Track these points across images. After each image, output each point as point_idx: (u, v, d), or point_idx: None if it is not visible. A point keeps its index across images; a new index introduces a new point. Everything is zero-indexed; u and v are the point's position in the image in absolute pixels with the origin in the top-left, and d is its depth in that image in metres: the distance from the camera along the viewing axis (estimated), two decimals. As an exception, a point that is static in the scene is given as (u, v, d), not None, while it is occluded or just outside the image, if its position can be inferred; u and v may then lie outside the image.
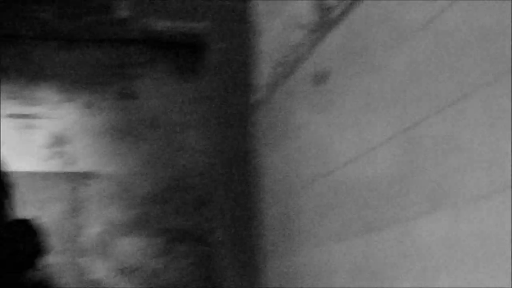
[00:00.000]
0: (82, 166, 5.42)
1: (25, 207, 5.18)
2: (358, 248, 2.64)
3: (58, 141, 5.44)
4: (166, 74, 5.68)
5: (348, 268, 2.72)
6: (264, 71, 4.21)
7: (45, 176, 5.34)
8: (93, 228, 5.33)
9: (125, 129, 5.55)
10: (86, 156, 5.44)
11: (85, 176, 5.40)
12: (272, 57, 4.01)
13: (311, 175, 3.19)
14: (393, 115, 2.41)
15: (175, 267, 5.41)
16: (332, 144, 2.93)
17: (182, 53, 5.72)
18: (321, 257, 2.99)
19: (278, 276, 3.84)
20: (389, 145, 2.46)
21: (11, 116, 5.38)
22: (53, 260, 5.20)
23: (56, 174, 5.36)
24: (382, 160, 2.46)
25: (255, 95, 4.39)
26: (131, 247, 5.35)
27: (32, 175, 5.30)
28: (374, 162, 2.51)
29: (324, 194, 2.99)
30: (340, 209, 2.80)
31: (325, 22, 3.10)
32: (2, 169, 4.49)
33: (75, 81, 5.54)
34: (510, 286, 1.86)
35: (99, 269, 5.28)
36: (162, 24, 5.41)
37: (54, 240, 5.22)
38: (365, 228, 2.55)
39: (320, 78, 3.18)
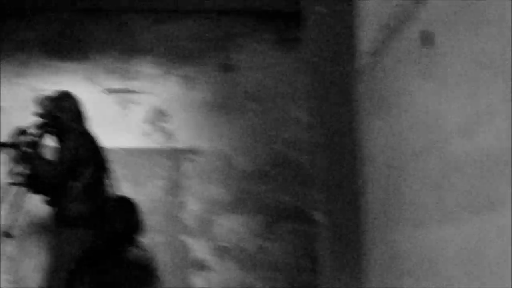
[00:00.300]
0: (181, 142, 5.28)
1: (124, 184, 5.08)
2: (471, 229, 2.31)
3: (157, 116, 5.30)
4: (267, 44, 5.44)
5: (456, 252, 2.40)
6: (367, 36, 3.90)
7: (144, 152, 5.22)
8: (194, 206, 5.17)
9: (225, 102, 5.36)
10: (185, 131, 5.29)
11: (184, 152, 5.25)
12: (375, 20, 3.69)
13: (418, 147, 2.88)
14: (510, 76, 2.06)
15: (277, 246, 5.19)
16: (442, 111, 2.61)
17: (283, 23, 5.45)
18: (426, 238, 2.69)
19: (380, 257, 3.54)
20: (508, 111, 2.11)
21: (109, 90, 5.28)
22: (153, 238, 5.09)
23: (155, 150, 5.23)
24: (499, 130, 2.13)
25: (359, 62, 4.07)
26: (232, 225, 5.17)
27: (131, 151, 5.19)
28: (490, 132, 2.18)
29: (433, 167, 2.68)
30: (451, 185, 2.49)
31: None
32: (100, 146, 4.41)
33: (173, 54, 5.38)
34: None
35: (200, 247, 5.12)
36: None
37: (154, 218, 5.10)
38: (480, 207, 2.23)
39: (427, 39, 2.85)
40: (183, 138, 5.28)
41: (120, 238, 4.28)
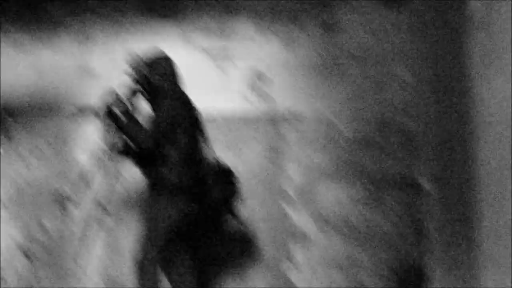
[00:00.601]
0: (282, 106, 5.03)
1: (222, 150, 4.90)
2: None
3: (257, 79, 5.08)
4: (372, 3, 5.09)
5: None
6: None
7: (243, 117, 5.02)
8: (294, 173, 4.94)
9: (328, 64, 5.07)
10: (286, 95, 5.04)
11: (285, 117, 5.01)
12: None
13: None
14: None
15: (381, 216, 4.89)
16: None
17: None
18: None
19: (495, 233, 3.21)
20: None
21: (206, 51, 5.09)
22: (252, 207, 4.90)
23: (255, 115, 5.02)
24: None
25: (470, 17, 3.69)
26: (334, 194, 4.91)
27: (229, 116, 5.00)
28: None
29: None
30: None
31: None
32: (196, 110, 4.23)
33: (274, 14, 5.12)
34: None
35: (301, 217, 4.90)
36: None
37: (253, 186, 4.91)
38: None
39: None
40: (284, 102, 5.04)
41: (218, 207, 4.11)
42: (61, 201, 4.61)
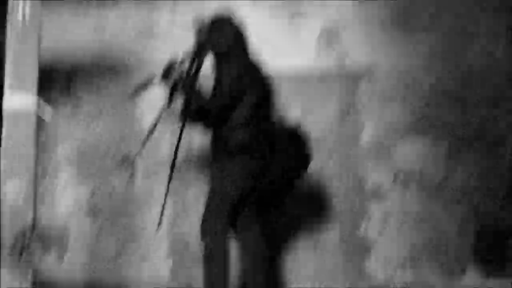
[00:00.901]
0: (358, 62, 4.87)
1: (295, 110, 4.80)
2: None
3: (331, 35, 4.92)
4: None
5: None
6: None
7: (317, 74, 4.88)
8: (371, 130, 4.79)
9: (405, 18, 4.86)
10: (362, 50, 4.87)
11: (360, 73, 4.85)
12: None
13: None
14: None
15: (463, 174, 4.70)
16: None
17: None
18: None
19: None
20: None
21: (277, 8, 4.96)
22: (328, 166, 4.79)
23: (329, 72, 4.87)
24: None
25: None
26: (413, 151, 4.74)
27: (302, 74, 4.87)
28: None
29: None
30: None
31: None
32: (264, 73, 4.11)
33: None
34: None
35: (379, 175, 4.76)
36: None
37: (328, 144, 4.80)
38: None
39: None
40: (360, 58, 4.86)
41: (289, 168, 4.00)
42: (127, 162, 4.59)
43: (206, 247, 3.80)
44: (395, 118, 4.78)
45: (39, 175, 4.91)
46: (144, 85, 3.88)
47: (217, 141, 3.91)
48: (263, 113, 3.93)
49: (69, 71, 5.02)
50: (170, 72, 3.82)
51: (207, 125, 3.95)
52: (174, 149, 3.98)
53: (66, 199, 4.96)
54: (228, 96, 3.80)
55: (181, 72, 3.82)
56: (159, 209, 4.78)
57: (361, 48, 4.87)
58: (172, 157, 4.00)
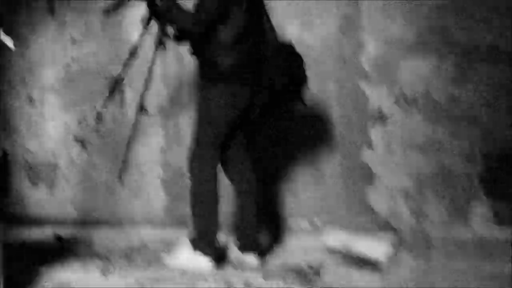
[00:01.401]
0: None
1: (290, 23, 4.47)
2: None
3: None
4: None
5: None
6: None
7: None
8: (373, 47, 4.47)
9: None
10: None
11: None
12: None
13: None
14: None
15: (470, 94, 4.38)
16: None
17: None
18: None
19: None
20: None
21: None
22: (326, 86, 4.50)
23: None
24: None
25: None
26: (417, 69, 4.42)
27: None
28: None
29: None
30: None
31: None
32: None
33: None
34: None
35: (380, 96, 4.46)
36: None
37: (327, 63, 4.48)
38: None
39: None
40: None
41: (282, 94, 3.71)
42: (115, 84, 4.31)
43: (193, 182, 3.59)
44: (398, 33, 4.44)
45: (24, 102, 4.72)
46: (117, 5, 3.56)
47: (202, 66, 3.63)
48: (252, 30, 3.61)
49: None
50: None
51: (192, 44, 3.65)
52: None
53: (54, 128, 4.73)
54: (211, 12, 3.48)
55: None
56: (151, 139, 4.60)
57: None
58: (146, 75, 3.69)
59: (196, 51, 3.63)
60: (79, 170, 4.69)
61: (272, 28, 3.77)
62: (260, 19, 3.68)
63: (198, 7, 3.49)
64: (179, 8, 3.49)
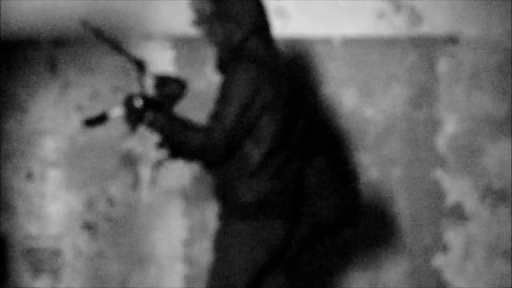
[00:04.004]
0: (435, 26, 3.68)
1: (349, 90, 3.63)
2: None
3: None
4: None
5: None
6: None
7: (379, 42, 3.72)
8: (452, 125, 3.61)
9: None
10: (441, 12, 3.64)
11: (439, 42, 3.68)
12: None
13: None
14: None
15: None
16: None
17: None
18: None
19: None
20: None
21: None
22: (390, 174, 3.62)
23: (397, 40, 3.71)
24: None
25: None
26: (506, 152, 3.52)
27: (359, 42, 3.71)
28: None
29: None
30: None
31: None
32: (291, 79, 2.81)
33: None
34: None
35: (461, 189, 3.62)
36: None
37: (392, 144, 3.63)
38: None
39: None
40: (438, 22, 3.64)
41: (329, 228, 2.82)
42: (130, 162, 3.52)
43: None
44: (486, 111, 3.63)
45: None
46: (99, 119, 2.73)
47: (219, 194, 2.76)
48: (290, 143, 2.72)
49: (52, 44, 3.87)
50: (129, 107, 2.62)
51: (206, 166, 2.79)
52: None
53: (57, 209, 3.95)
54: (234, 126, 2.60)
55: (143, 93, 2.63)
56: (172, 224, 3.82)
57: (441, 8, 3.65)
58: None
59: (208, 170, 2.77)
60: (86, 259, 3.94)
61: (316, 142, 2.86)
62: (302, 126, 2.78)
63: (215, 118, 2.61)
64: (179, 121, 2.62)
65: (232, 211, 2.69)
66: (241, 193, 2.65)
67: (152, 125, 2.61)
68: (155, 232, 3.85)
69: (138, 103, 2.57)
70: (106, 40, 2.60)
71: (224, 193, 2.71)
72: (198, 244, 3.86)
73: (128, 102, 2.60)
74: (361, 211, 2.86)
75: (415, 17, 3.64)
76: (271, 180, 2.65)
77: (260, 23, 2.73)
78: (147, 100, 2.58)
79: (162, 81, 2.63)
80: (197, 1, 2.76)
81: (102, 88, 3.86)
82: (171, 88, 2.62)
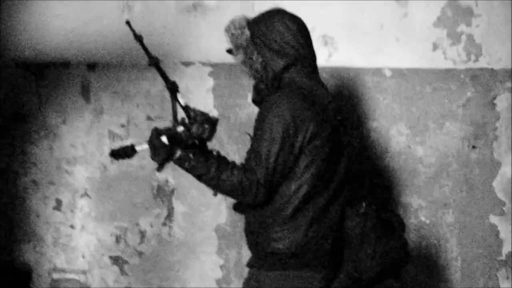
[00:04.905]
0: (495, 59, 3.39)
1: (396, 133, 3.34)
2: None
3: (455, 18, 3.39)
4: None
5: None
6: None
7: (434, 75, 3.46)
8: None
9: None
10: (500, 42, 3.34)
11: (499, 76, 3.37)
12: None
13: None
14: None
15: None
16: None
17: None
18: None
19: None
20: None
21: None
22: (446, 217, 3.33)
23: (453, 73, 3.45)
24: None
25: None
26: None
27: (411, 74, 3.42)
28: None
29: None
30: None
31: None
32: (337, 109, 2.55)
33: None
34: None
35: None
36: None
37: (446, 185, 3.35)
38: None
39: None
40: (498, 54, 3.38)
41: (371, 281, 2.55)
42: (164, 195, 3.36)
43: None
44: None
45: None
46: (125, 152, 2.54)
47: (251, 242, 2.52)
48: (331, 184, 2.47)
49: (85, 68, 3.69)
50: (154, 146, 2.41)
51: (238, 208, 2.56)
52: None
53: (86, 242, 3.75)
54: (279, 166, 2.36)
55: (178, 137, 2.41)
56: (206, 262, 3.58)
57: (500, 38, 3.38)
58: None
59: (241, 212, 2.55)
60: (117, 302, 3.72)
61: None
62: (345, 165, 2.52)
63: (254, 157, 2.37)
64: (212, 160, 2.40)
65: (264, 258, 2.45)
66: (275, 240, 2.41)
67: (180, 163, 2.40)
68: (187, 269, 3.62)
69: (163, 139, 2.37)
70: (144, 47, 2.43)
71: (256, 239, 2.47)
72: (233, 284, 3.62)
73: (153, 137, 2.40)
74: (408, 260, 2.58)
75: (474, 48, 3.37)
76: (309, 227, 2.40)
77: (301, 52, 2.51)
78: (173, 136, 2.37)
79: (194, 115, 2.43)
80: (235, 29, 2.56)
81: (136, 115, 3.66)
82: (202, 125, 2.41)
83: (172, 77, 2.48)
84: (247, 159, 2.41)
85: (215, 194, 2.49)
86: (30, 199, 3.81)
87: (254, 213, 2.46)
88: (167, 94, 2.46)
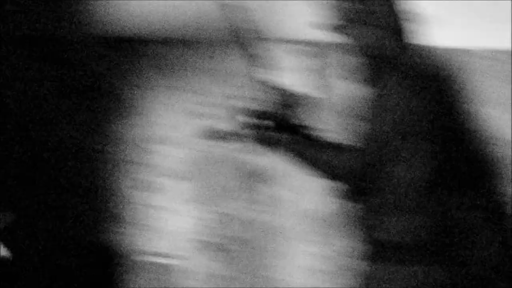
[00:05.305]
0: None
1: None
2: None
3: None
4: None
5: None
6: None
7: None
8: None
9: None
10: None
11: None
12: None
13: None
14: None
15: None
16: None
17: None
18: None
19: None
20: None
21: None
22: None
23: None
24: None
25: None
26: None
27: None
28: None
29: None
30: None
31: None
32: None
33: None
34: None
35: None
36: None
37: None
38: None
39: None
40: None
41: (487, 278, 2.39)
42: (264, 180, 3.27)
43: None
44: None
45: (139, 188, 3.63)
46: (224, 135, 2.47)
47: (361, 227, 2.38)
48: (448, 173, 2.30)
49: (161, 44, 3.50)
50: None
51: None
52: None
53: (176, 225, 3.61)
54: (386, 150, 2.21)
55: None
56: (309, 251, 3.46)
57: None
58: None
59: (350, 199, 2.41)
60: (213, 280, 3.62)
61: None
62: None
63: (364, 138, 2.21)
64: (311, 140, 2.29)
65: (377, 252, 2.31)
66: (391, 231, 2.27)
67: (276, 146, 2.28)
68: (286, 258, 3.53)
69: (265, 121, 2.26)
70: (235, 23, 2.31)
71: (368, 230, 2.33)
72: (339, 277, 3.53)
73: (253, 119, 2.28)
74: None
75: None
76: (430, 217, 2.26)
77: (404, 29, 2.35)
78: (269, 118, 2.27)
79: (282, 94, 2.32)
80: (341, 1, 2.35)
81: (217, 94, 3.51)
82: (295, 106, 2.31)
83: (264, 55, 2.35)
84: (356, 142, 2.27)
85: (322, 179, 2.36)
86: (117, 180, 3.68)
87: (367, 200, 2.32)
88: (253, 72, 2.33)
